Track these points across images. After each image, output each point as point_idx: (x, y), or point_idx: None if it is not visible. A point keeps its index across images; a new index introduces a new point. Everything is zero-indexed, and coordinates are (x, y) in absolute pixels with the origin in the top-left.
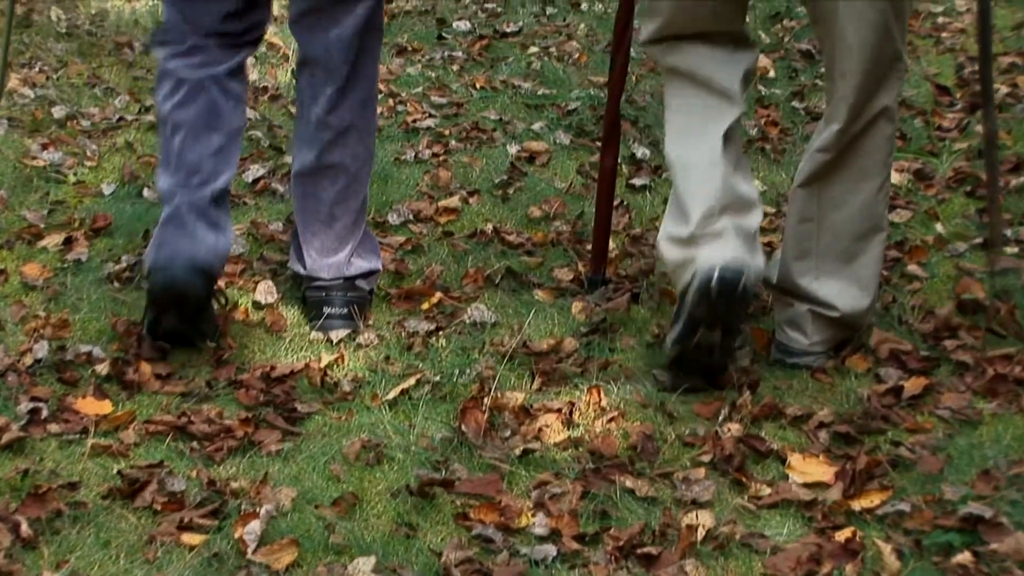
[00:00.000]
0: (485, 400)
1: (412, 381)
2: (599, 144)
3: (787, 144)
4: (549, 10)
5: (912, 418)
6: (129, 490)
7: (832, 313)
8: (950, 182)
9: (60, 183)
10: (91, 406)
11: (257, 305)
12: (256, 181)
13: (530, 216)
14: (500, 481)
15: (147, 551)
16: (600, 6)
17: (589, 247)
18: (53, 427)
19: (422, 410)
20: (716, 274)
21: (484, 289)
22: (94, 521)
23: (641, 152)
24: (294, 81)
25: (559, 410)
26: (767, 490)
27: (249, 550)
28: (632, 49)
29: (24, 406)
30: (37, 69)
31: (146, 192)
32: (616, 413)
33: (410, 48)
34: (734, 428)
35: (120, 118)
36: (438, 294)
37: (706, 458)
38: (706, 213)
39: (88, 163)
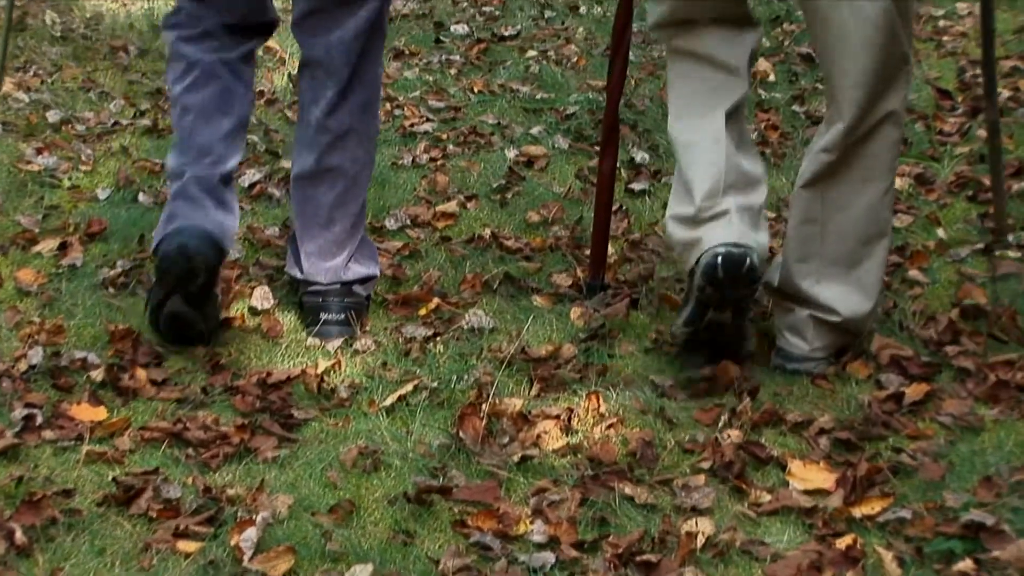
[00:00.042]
0: (483, 406)
1: (409, 387)
2: (598, 148)
3: (787, 148)
4: (547, 13)
5: (913, 424)
6: (124, 497)
7: (833, 318)
8: (951, 187)
9: (55, 188)
10: (86, 412)
11: (253, 310)
12: (252, 186)
13: (528, 221)
14: (498, 488)
15: (143, 559)
16: (599, 9)
17: (588, 252)
18: (48, 433)
19: (419, 416)
20: (721, 258)
21: (482, 295)
22: (89, 528)
23: (640, 156)
24: (291, 85)
25: (558, 416)
26: (767, 497)
27: (245, 557)
28: (631, 53)
29: (18, 412)
30: (32, 73)
31: (141, 197)
32: (615, 419)
33: (407, 52)
34: (734, 434)
35: (115, 122)
36: (436, 300)
37: (706, 465)
38: (710, 192)
39: (83, 168)
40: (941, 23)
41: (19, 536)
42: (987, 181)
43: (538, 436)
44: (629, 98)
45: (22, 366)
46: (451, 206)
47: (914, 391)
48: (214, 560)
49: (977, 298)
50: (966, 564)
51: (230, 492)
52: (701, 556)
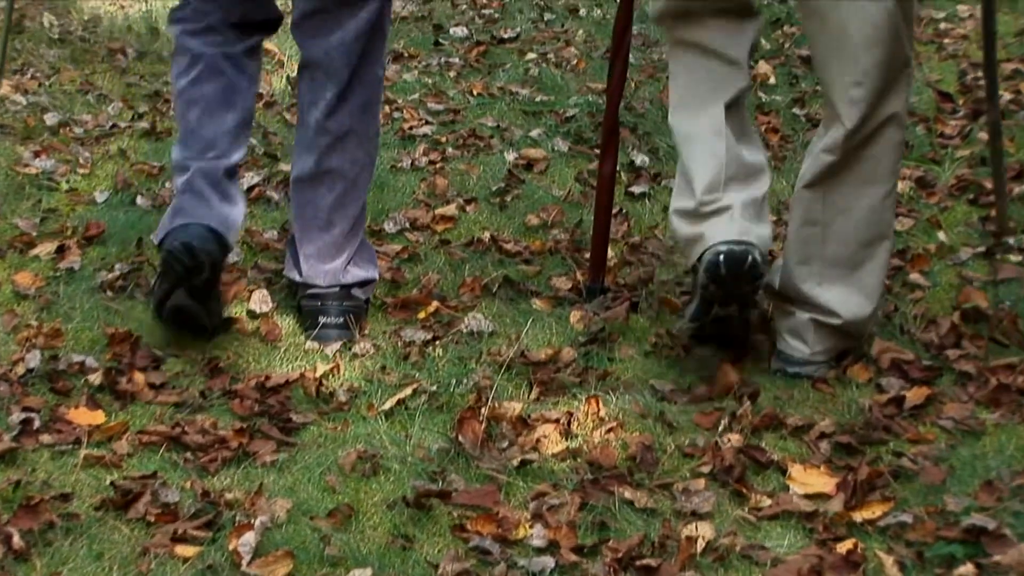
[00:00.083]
0: (482, 410)
1: (408, 391)
2: (597, 151)
3: (788, 151)
4: (547, 16)
5: (914, 428)
6: (122, 501)
7: (834, 321)
8: (952, 190)
9: (52, 191)
10: (84, 416)
11: (252, 314)
12: (251, 189)
13: (528, 224)
14: (497, 492)
15: (140, 563)
16: (599, 12)
17: (587, 255)
18: (45, 437)
19: (419, 420)
20: (723, 256)
21: (481, 298)
22: (87, 533)
23: (640, 159)
24: (289, 88)
25: (557, 420)
26: (767, 501)
27: (244, 562)
28: (631, 55)
29: (16, 416)
30: (29, 75)
31: (139, 200)
32: (615, 423)
33: (406, 54)
34: (734, 439)
35: (113, 125)
36: (435, 303)
37: (706, 469)
38: (710, 185)
39: (81, 170)
40: (942, 26)
41: (17, 540)
42: (988, 184)
43: (537, 440)
44: (629, 101)
45: (20, 370)
46: (450, 209)
47: (915, 395)
48: (212, 564)
49: (978, 301)
50: (967, 568)
51: (228, 496)
52: (701, 560)
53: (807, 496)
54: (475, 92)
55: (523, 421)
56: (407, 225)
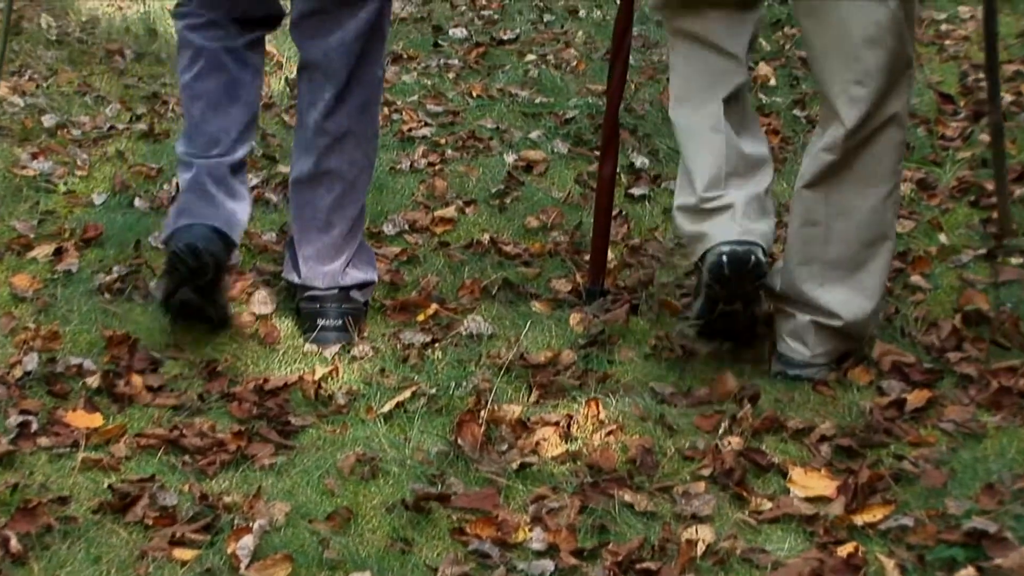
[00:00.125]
0: (482, 413)
1: (407, 394)
2: (597, 153)
3: (788, 153)
4: (547, 17)
5: (915, 431)
6: (120, 504)
7: (835, 322)
8: (954, 192)
9: (50, 193)
10: (82, 419)
11: (249, 315)
12: (249, 191)
13: (527, 226)
14: (497, 495)
15: (138, 567)
16: (598, 13)
17: (587, 258)
18: (43, 440)
19: (418, 423)
20: (726, 257)
21: (481, 300)
22: (85, 536)
23: (640, 161)
24: (288, 89)
25: (557, 423)
26: (768, 504)
27: (242, 565)
28: (631, 57)
29: (13, 419)
30: (27, 77)
31: (137, 202)
32: (615, 426)
33: (405, 56)
34: (734, 441)
35: (111, 127)
36: (434, 306)
37: (706, 472)
38: (711, 181)
39: (79, 172)
40: (943, 27)
41: (14, 544)
42: (990, 186)
43: (537, 443)
44: (629, 102)
45: (17, 372)
46: (449, 211)
47: (916, 398)
48: (210, 568)
49: (979, 304)
50: (968, 572)
51: (227, 499)
52: (701, 564)
53: (808, 499)
54: (474, 94)
55: (522, 424)
56: (406, 227)
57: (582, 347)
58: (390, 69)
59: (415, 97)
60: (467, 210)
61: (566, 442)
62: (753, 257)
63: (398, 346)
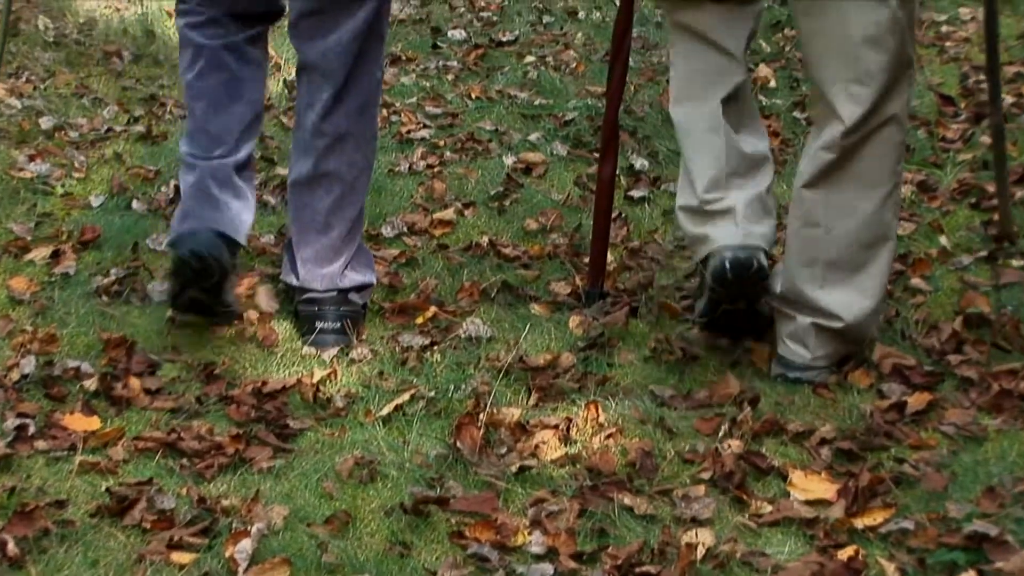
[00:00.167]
0: (481, 416)
1: (406, 397)
2: (597, 155)
3: (788, 155)
4: (546, 19)
5: (916, 434)
6: (118, 508)
7: (835, 324)
8: (954, 194)
9: (47, 195)
10: (79, 422)
11: (247, 318)
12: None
13: (526, 228)
14: (496, 499)
15: (136, 570)
16: (598, 15)
17: (586, 260)
18: (40, 444)
19: (416, 426)
20: (729, 262)
21: (480, 303)
22: (82, 540)
23: (640, 163)
24: (286, 91)
25: (556, 426)
26: (768, 508)
27: (240, 569)
28: (631, 58)
29: (11, 422)
30: (24, 79)
31: (135, 204)
32: (614, 429)
33: (404, 57)
34: (734, 444)
35: (109, 129)
36: (433, 308)
37: (706, 475)
38: (711, 183)
39: (76, 175)
40: (944, 28)
41: (11, 547)
42: (991, 188)
43: (536, 446)
44: (629, 104)
45: (14, 375)
46: (448, 213)
47: (916, 400)
48: (208, 572)
49: (980, 306)
50: (969, 575)
51: (225, 503)
52: (701, 567)
53: (808, 502)
54: (473, 95)
55: (522, 427)
56: (405, 229)
57: (581, 350)
58: (389, 71)
59: (414, 99)
60: (466, 212)
61: (565, 445)
62: (755, 262)
63: (397, 349)
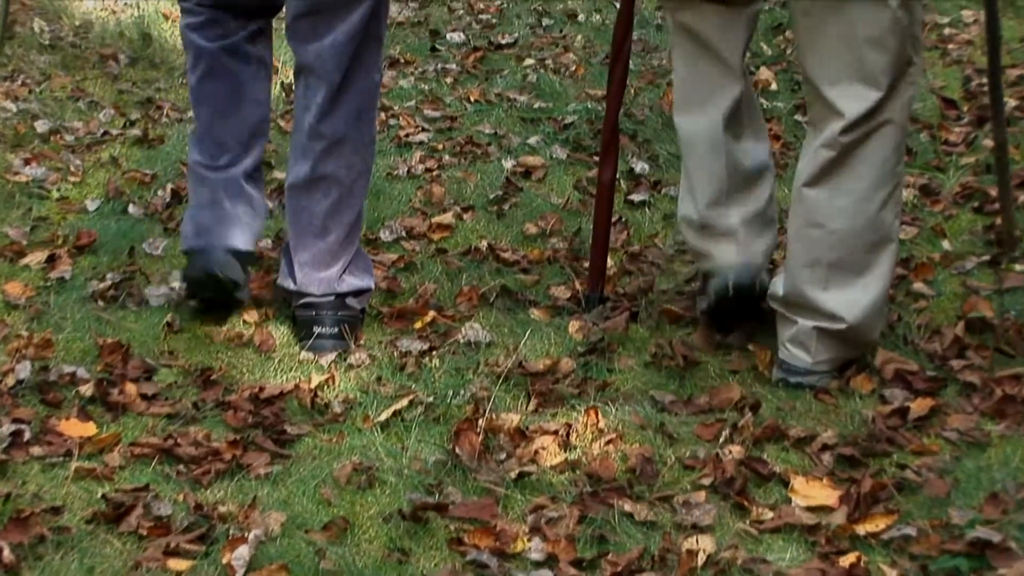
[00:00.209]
0: (480, 422)
1: (405, 402)
2: (597, 159)
3: (789, 159)
4: (545, 21)
5: (918, 440)
6: (114, 514)
7: (838, 326)
8: (957, 198)
9: (43, 199)
10: (75, 428)
11: (245, 323)
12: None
13: (526, 233)
14: (495, 505)
15: None
16: (598, 17)
17: (586, 264)
18: (36, 450)
19: (415, 432)
20: (731, 283)
21: (479, 308)
22: (78, 546)
23: (640, 167)
24: (283, 94)
25: (556, 432)
26: (769, 514)
27: None
28: (631, 61)
29: (6, 428)
30: (20, 82)
31: (131, 208)
32: (614, 435)
33: (402, 60)
34: (735, 450)
35: (105, 132)
36: (431, 313)
37: (707, 481)
38: (712, 200)
39: (72, 179)
40: (946, 31)
41: (7, 554)
42: (993, 192)
43: (536, 452)
44: (629, 107)
45: (10, 381)
46: (447, 217)
47: (919, 406)
48: None
49: (983, 311)
50: None
51: (222, 509)
52: (702, 574)
53: (809, 509)
54: (472, 99)
55: (521, 433)
56: (403, 234)
57: (581, 355)
58: (387, 74)
59: (412, 102)
60: (465, 216)
61: (565, 451)
62: (757, 283)
63: (395, 354)
